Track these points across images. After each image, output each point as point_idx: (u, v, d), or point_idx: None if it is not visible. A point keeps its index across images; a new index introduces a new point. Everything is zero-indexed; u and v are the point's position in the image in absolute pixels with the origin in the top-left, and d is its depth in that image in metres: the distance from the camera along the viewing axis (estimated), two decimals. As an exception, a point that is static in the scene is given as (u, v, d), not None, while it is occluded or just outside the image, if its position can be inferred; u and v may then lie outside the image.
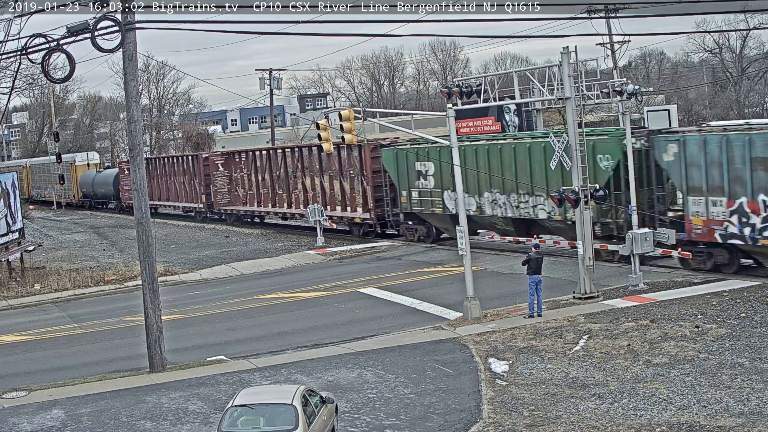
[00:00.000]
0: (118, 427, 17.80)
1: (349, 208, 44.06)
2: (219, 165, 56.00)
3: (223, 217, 56.75)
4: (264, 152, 53.56)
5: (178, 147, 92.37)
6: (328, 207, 44.92)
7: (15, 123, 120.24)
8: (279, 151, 52.30)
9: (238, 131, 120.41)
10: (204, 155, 58.79)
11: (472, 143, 35.65)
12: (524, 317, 24.08)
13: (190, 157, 60.67)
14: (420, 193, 38.07)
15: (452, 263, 33.37)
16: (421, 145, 37.24)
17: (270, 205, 51.71)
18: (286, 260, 39.01)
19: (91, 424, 18.06)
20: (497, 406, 17.18)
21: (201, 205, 57.89)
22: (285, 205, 50.01)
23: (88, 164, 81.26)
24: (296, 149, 50.49)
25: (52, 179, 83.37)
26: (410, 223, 39.81)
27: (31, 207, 76.67)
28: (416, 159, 38.02)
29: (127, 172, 66.93)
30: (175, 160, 63.83)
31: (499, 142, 35.00)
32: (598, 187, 25.81)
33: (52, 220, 71.64)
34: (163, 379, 21.05)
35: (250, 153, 54.67)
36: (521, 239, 33.68)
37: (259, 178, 52.93)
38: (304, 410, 14.62)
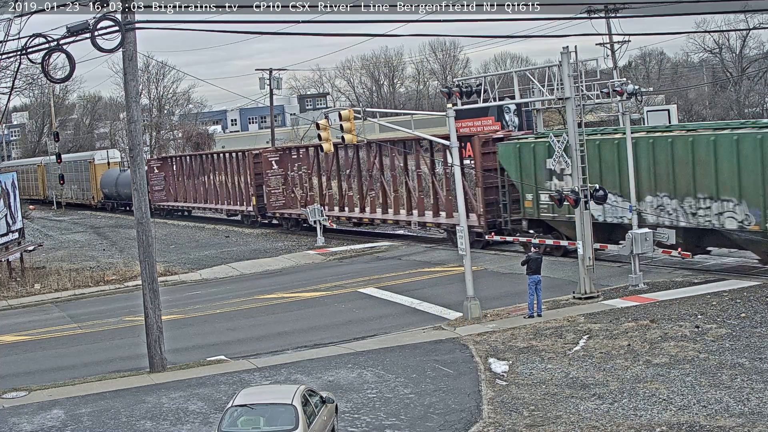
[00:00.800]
0: (118, 427, 17.80)
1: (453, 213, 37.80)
2: (273, 163, 50.17)
3: (277, 221, 51.01)
4: (340, 149, 44.93)
5: (178, 147, 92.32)
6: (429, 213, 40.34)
7: (15, 123, 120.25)
8: (350, 147, 43.39)
9: (238, 131, 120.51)
10: (255, 151, 51.98)
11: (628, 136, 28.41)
12: (524, 317, 24.07)
13: (236, 154, 54.81)
14: (551, 197, 29.32)
15: (452, 263, 33.36)
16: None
17: (340, 208, 46.52)
18: (286, 260, 39.01)
19: (91, 424, 18.06)
20: (497, 406, 17.17)
21: (251, 208, 51.97)
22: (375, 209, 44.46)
23: (108, 163, 75.56)
24: (374, 144, 43.65)
25: (72, 179, 78.33)
26: (533, 231, 33.58)
27: (31, 207, 76.48)
28: (547, 155, 30.46)
29: (156, 170, 65.61)
30: (214, 158, 58.85)
31: (670, 134, 28.50)
32: (597, 187, 25.79)
33: (52, 220, 71.64)
34: (163, 379, 21.05)
35: (310, 149, 49.04)
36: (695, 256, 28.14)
37: (322, 178, 47.75)
38: (304, 410, 14.62)
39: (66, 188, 79.38)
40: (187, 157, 64.67)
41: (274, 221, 51.19)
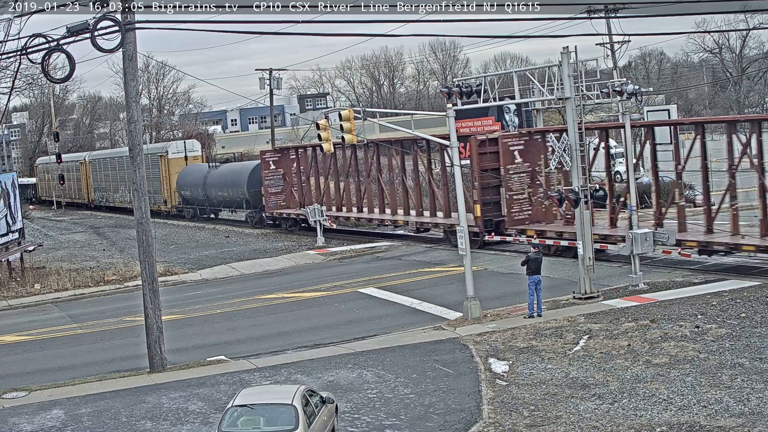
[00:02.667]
0: (118, 427, 17.80)
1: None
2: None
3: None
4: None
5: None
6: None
7: (15, 123, 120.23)
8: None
9: (238, 131, 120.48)
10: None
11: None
12: (524, 317, 24.07)
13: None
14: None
15: (452, 263, 33.36)
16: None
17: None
18: (286, 260, 39.01)
19: (91, 424, 18.06)
20: (497, 406, 17.17)
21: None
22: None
23: (186, 157, 61.13)
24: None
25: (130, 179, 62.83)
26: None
27: (31, 207, 76.40)
28: None
29: (274, 166, 49.33)
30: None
31: None
32: (597, 187, 25.78)
33: (51, 220, 71.61)
34: (163, 379, 21.05)
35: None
36: None
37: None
38: (305, 410, 14.62)
39: (121, 190, 67.57)
40: (327, 155, 44.47)
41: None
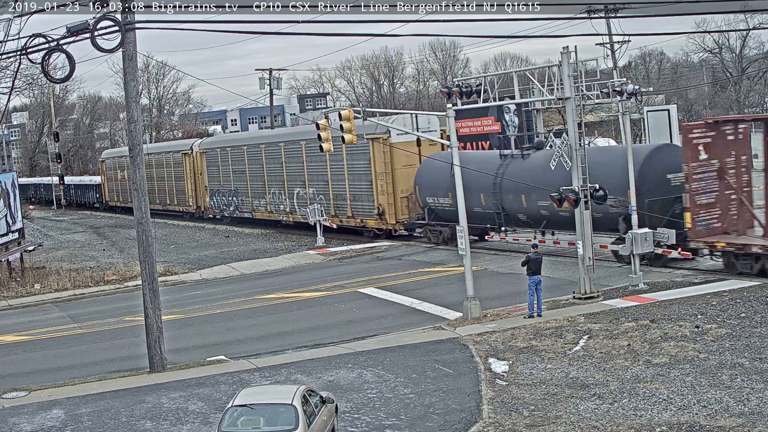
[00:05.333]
0: (118, 427, 17.79)
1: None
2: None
3: None
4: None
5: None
6: None
7: (15, 123, 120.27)
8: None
9: (238, 131, 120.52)
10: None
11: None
12: (524, 317, 24.07)
13: None
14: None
15: (452, 263, 33.35)
16: None
17: None
18: (286, 260, 39.01)
19: (91, 424, 18.06)
20: (497, 406, 17.17)
21: None
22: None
23: (419, 141, 38.75)
24: None
25: (337, 176, 42.29)
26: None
27: (31, 207, 76.27)
28: None
29: (705, 152, 27.76)
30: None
31: None
32: (597, 187, 25.78)
33: (51, 220, 71.61)
34: (163, 379, 21.04)
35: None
36: None
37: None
38: (304, 410, 14.62)
39: (276, 192, 47.34)
40: None
41: None
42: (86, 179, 79.58)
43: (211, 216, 53.64)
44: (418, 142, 39.14)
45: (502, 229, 34.79)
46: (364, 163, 40.10)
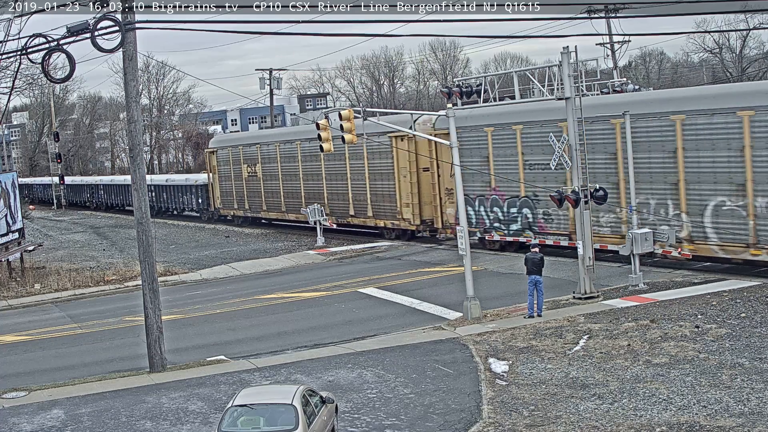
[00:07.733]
0: (118, 427, 17.80)
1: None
2: None
3: None
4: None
5: (178, 147, 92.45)
6: None
7: (15, 123, 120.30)
8: None
9: (238, 131, 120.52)
10: None
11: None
12: (524, 317, 24.07)
13: None
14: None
15: (452, 263, 33.36)
16: None
17: None
18: (286, 260, 39.01)
19: (91, 424, 18.06)
20: (497, 406, 17.17)
21: None
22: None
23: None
24: None
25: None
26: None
27: (31, 207, 76.31)
28: None
29: None
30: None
31: None
32: (598, 187, 25.78)
33: (51, 220, 71.62)
34: (163, 379, 21.05)
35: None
36: None
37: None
38: (304, 410, 14.62)
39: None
40: None
41: None
42: (176, 178, 57.58)
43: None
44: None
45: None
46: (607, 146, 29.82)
